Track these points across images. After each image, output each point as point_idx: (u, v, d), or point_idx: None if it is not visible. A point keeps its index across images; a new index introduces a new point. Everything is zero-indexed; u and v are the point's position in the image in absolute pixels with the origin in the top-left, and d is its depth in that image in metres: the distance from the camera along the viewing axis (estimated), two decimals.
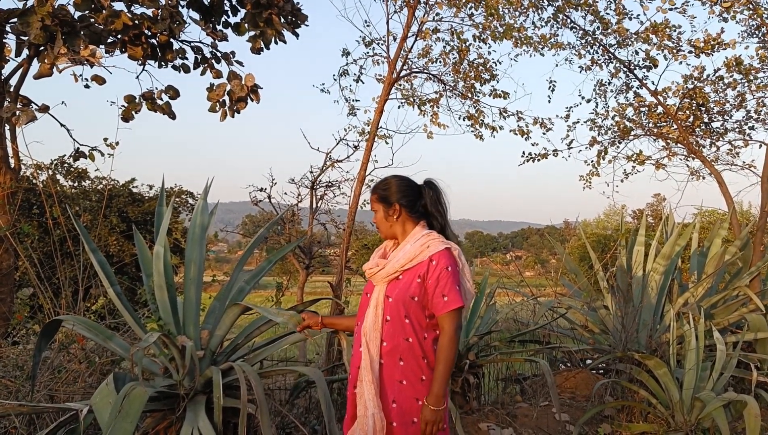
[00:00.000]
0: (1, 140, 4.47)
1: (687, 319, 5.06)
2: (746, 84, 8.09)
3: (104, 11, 4.13)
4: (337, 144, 7.00)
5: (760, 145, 8.59)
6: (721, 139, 8.81)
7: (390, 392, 2.54)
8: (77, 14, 4.14)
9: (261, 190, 7.43)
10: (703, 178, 8.99)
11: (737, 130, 8.71)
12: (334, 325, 3.07)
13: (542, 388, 5.42)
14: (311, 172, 7.33)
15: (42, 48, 4.25)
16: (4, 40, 4.43)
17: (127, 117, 4.72)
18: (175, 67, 4.99)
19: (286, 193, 7.54)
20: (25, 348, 5.00)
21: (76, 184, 10.02)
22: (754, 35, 7.70)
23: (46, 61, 3.90)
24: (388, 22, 6.53)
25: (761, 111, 8.41)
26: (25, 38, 4.31)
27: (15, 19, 4.17)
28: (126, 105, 4.71)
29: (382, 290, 2.60)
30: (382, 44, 6.86)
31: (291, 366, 4.06)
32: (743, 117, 8.59)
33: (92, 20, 4.16)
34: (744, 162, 8.77)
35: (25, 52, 4.47)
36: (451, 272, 2.53)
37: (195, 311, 3.38)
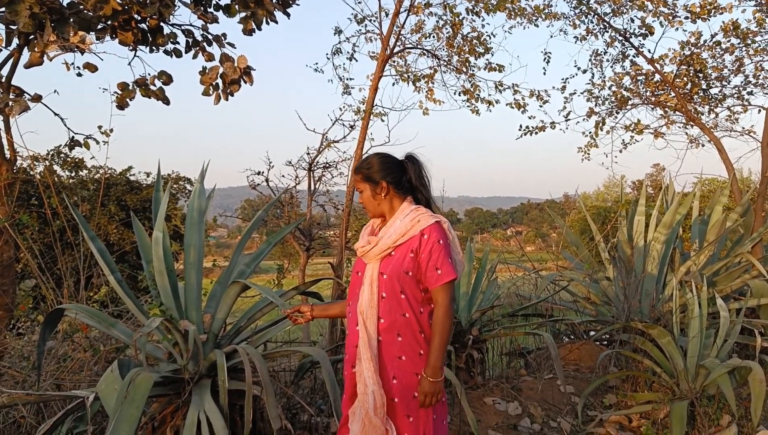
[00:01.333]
0: None
1: (689, 288, 5.07)
2: (744, 48, 8.02)
3: None
4: (333, 124, 6.96)
5: (759, 110, 8.55)
6: (719, 105, 8.76)
7: (390, 368, 2.55)
8: (65, 1, 4.09)
9: (258, 173, 7.40)
10: (703, 145, 8.97)
11: (736, 95, 8.65)
12: (327, 314, 3.05)
13: (546, 361, 5.44)
14: (308, 153, 7.31)
15: (31, 36, 4.20)
16: None
17: (121, 104, 4.68)
18: (166, 52, 4.94)
19: (284, 176, 7.54)
20: (30, 339, 5.02)
21: (73, 174, 9.98)
22: None
23: (36, 49, 3.86)
24: None
25: (759, 75, 8.36)
26: (14, 27, 4.26)
27: (2, 9, 4.12)
28: (120, 92, 4.67)
29: (375, 267, 2.59)
30: (374, 21, 6.80)
31: (294, 347, 4.06)
32: (741, 82, 8.53)
33: (81, 7, 4.10)
34: (743, 128, 8.77)
35: (15, 41, 4.42)
36: (443, 245, 2.54)
37: (197, 295, 3.37)
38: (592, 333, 6.28)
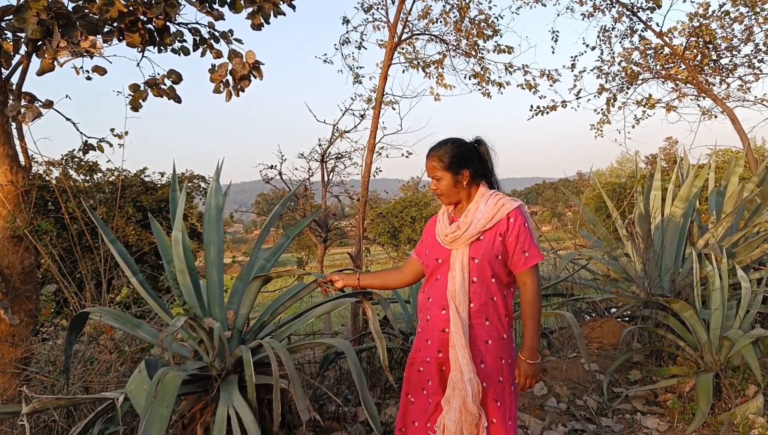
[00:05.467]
0: (9, 139, 4.47)
1: (709, 260, 5.03)
2: (753, 17, 7.92)
3: (98, 0, 4.08)
4: (343, 114, 6.96)
5: None
6: (730, 75, 8.67)
7: (477, 353, 2.58)
8: (71, 5, 4.10)
9: (272, 167, 7.42)
10: (716, 116, 8.88)
11: (747, 64, 8.56)
12: (372, 285, 3.08)
13: (569, 340, 5.44)
14: (320, 145, 7.32)
15: (39, 43, 4.23)
16: (2, 38, 4.41)
17: (135, 106, 4.70)
18: (174, 51, 4.94)
19: (296, 169, 7.54)
20: (55, 343, 5.08)
21: (88, 178, 10.06)
22: None
23: (46, 55, 3.88)
24: None
25: None
26: (22, 35, 4.29)
27: (10, 17, 4.14)
28: (132, 94, 4.69)
29: (465, 253, 2.59)
30: (381, 8, 6.77)
31: (318, 339, 4.08)
32: (752, 51, 8.43)
33: (86, 10, 4.11)
34: (756, 97, 8.64)
35: (23, 48, 4.45)
36: (528, 228, 2.58)
37: (219, 292, 3.40)
38: (613, 310, 6.27)
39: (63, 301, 6.64)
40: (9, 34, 4.35)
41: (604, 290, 6.25)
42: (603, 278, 6.35)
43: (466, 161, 2.66)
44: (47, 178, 8.14)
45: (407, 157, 6.51)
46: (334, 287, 3.05)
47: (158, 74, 4.81)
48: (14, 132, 4.49)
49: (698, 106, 8.91)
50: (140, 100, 4.81)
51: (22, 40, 4.27)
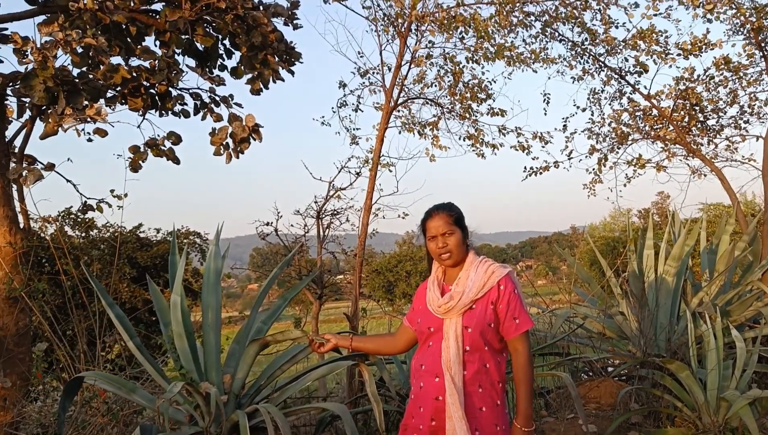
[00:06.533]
0: (10, 201, 4.53)
1: (704, 319, 5.06)
2: (737, 80, 8.16)
3: (102, 66, 4.20)
4: (339, 172, 7.03)
5: (757, 139, 8.62)
6: (718, 135, 8.86)
7: (471, 421, 2.58)
8: (76, 71, 4.22)
9: (267, 224, 7.47)
10: (705, 175, 9.02)
11: (733, 125, 8.76)
12: (365, 349, 3.08)
13: (567, 400, 5.40)
14: (315, 202, 7.38)
15: (44, 108, 4.33)
16: (5, 102, 4.51)
17: (135, 167, 4.77)
18: (174, 114, 5.06)
19: (292, 225, 7.58)
20: (45, 403, 5.01)
21: (83, 235, 10.07)
22: (739, 32, 7.78)
23: (50, 121, 3.96)
24: (381, 53, 6.64)
25: (754, 105, 8.48)
26: (27, 100, 4.39)
27: (16, 83, 4.25)
28: (132, 156, 4.77)
29: (458, 322, 2.61)
30: (376, 73, 6.96)
31: (315, 404, 4.05)
32: (737, 112, 8.65)
33: (91, 76, 4.23)
34: (743, 156, 8.83)
35: (28, 112, 4.55)
36: (518, 295, 2.63)
37: (216, 356, 3.40)
38: (610, 369, 6.24)
39: (54, 360, 6.57)
40: (13, 99, 4.45)
41: (600, 349, 6.24)
42: (598, 337, 6.35)
43: (465, 223, 2.76)
44: (42, 234, 8.15)
45: (403, 218, 6.58)
46: (325, 349, 3.01)
47: (158, 135, 4.90)
48: (15, 193, 4.56)
49: (687, 165, 9.09)
50: (140, 162, 4.89)
51: (27, 105, 4.37)
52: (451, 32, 6.20)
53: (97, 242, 10.25)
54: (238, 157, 4.89)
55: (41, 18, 4.14)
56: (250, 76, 4.83)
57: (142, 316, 9.74)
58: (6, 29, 4.25)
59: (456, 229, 2.69)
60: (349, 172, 6.91)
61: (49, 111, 4.12)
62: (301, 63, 5.05)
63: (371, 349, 3.12)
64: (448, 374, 2.58)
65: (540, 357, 5.88)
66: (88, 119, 3.92)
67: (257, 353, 3.33)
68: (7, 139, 4.60)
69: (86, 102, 4.12)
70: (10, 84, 4.28)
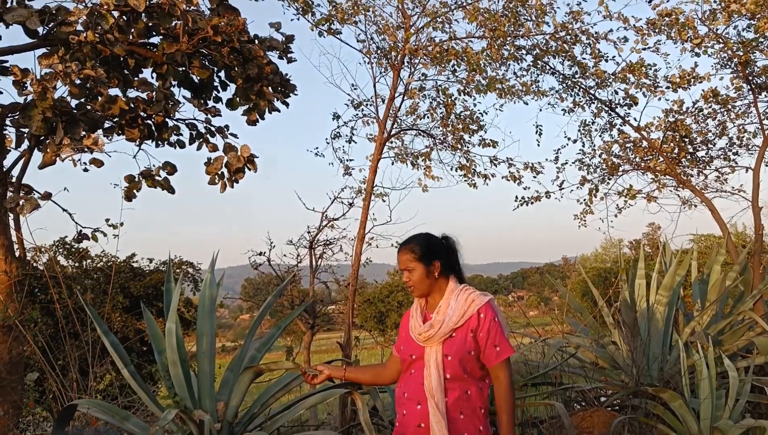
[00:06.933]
0: (6, 230, 4.55)
1: (696, 348, 5.09)
2: (725, 113, 8.31)
3: (101, 98, 4.27)
4: (332, 203, 7.08)
5: (747, 170, 8.75)
6: (707, 167, 8.99)
7: None
8: (74, 102, 4.28)
9: (260, 254, 7.48)
10: (695, 206, 9.12)
11: (722, 157, 8.89)
12: (358, 379, 3.10)
13: (560, 430, 5.39)
14: (308, 232, 7.41)
15: (42, 138, 4.38)
16: (3, 132, 4.56)
17: (129, 196, 4.82)
18: (170, 144, 5.12)
19: (285, 255, 7.58)
20: (34, 433, 4.97)
21: (77, 264, 10.06)
22: (727, 66, 7.96)
23: (48, 151, 4.01)
24: (375, 85, 6.74)
25: (743, 137, 8.62)
26: (26, 130, 4.44)
27: (15, 113, 4.31)
28: (127, 185, 4.81)
29: (438, 350, 2.65)
30: (370, 105, 7.06)
31: (307, 433, 4.05)
32: (726, 144, 8.79)
33: (88, 107, 4.29)
34: (733, 187, 8.94)
35: (26, 142, 4.60)
36: (498, 322, 2.65)
37: (210, 384, 3.41)
38: (602, 399, 6.24)
39: (46, 389, 6.51)
40: (11, 129, 4.50)
41: (592, 379, 6.24)
42: (591, 366, 6.36)
43: (436, 253, 2.76)
44: (35, 263, 8.14)
45: (396, 247, 6.62)
46: (318, 380, 3.03)
47: (153, 166, 4.95)
48: (11, 222, 4.59)
49: (678, 196, 9.19)
50: (134, 191, 4.93)
51: (25, 135, 4.42)
52: (443, 65, 6.33)
53: (90, 272, 10.24)
54: (232, 187, 4.94)
55: (41, 51, 4.22)
56: (246, 107, 4.92)
57: (134, 345, 9.69)
58: (6, 61, 4.32)
59: (418, 265, 2.74)
60: (342, 202, 6.97)
61: (47, 141, 4.18)
62: (296, 95, 5.14)
63: (366, 380, 3.15)
64: (432, 401, 2.61)
65: (533, 387, 5.88)
66: (86, 149, 3.97)
67: (251, 381, 3.34)
68: (4, 169, 4.65)
69: (84, 132, 4.18)
70: (9, 114, 4.34)
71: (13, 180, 4.71)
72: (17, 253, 4.65)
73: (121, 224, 4.94)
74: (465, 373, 2.63)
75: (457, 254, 2.84)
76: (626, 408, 5.44)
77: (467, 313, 2.65)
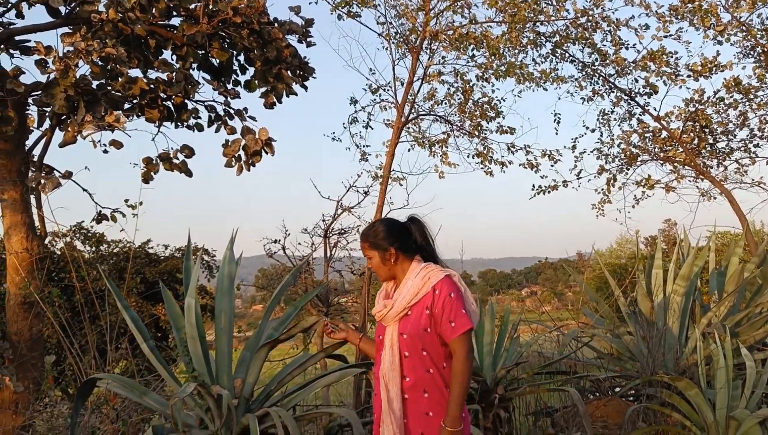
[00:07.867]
0: (28, 208, 4.61)
1: (713, 339, 5.05)
2: (747, 103, 8.21)
3: (121, 78, 4.30)
4: (347, 191, 7.10)
5: (767, 162, 8.66)
6: (727, 158, 8.89)
7: (418, 426, 2.60)
8: (95, 83, 4.32)
9: (275, 241, 7.51)
10: (714, 198, 9.03)
11: (743, 148, 8.79)
12: (368, 352, 3.11)
13: (573, 418, 5.38)
14: (323, 220, 7.43)
15: (64, 117, 4.42)
16: (26, 112, 4.61)
17: (147, 178, 4.85)
18: (189, 127, 5.15)
19: (300, 244, 7.60)
20: (52, 413, 5.03)
21: (93, 250, 10.15)
22: (749, 55, 7.86)
23: (70, 129, 4.05)
24: (393, 69, 6.74)
25: (764, 128, 8.51)
26: (48, 109, 4.49)
27: (38, 92, 4.35)
28: (145, 167, 4.85)
29: (395, 329, 2.68)
30: (388, 90, 7.05)
31: (324, 409, 4.07)
32: (747, 135, 8.69)
33: (109, 87, 4.33)
34: (753, 179, 8.84)
35: (47, 122, 4.65)
36: (455, 298, 2.62)
37: (228, 361, 3.43)
38: (617, 389, 6.21)
39: (61, 371, 6.59)
40: (33, 109, 4.55)
41: (607, 368, 6.22)
42: (606, 356, 6.33)
43: (392, 240, 2.76)
44: (52, 247, 8.22)
45: None
46: (337, 335, 3.09)
47: (171, 148, 4.98)
48: (33, 200, 4.64)
49: (697, 187, 9.10)
50: (152, 173, 4.97)
51: (47, 114, 4.47)
52: (463, 50, 6.30)
53: (106, 257, 10.32)
54: (249, 170, 4.96)
55: (63, 30, 4.25)
56: (264, 90, 4.93)
57: (150, 331, 9.77)
58: (29, 41, 4.36)
59: (373, 253, 2.77)
60: (357, 191, 6.98)
61: (69, 120, 4.22)
62: (315, 78, 5.15)
63: (374, 354, 3.15)
64: (383, 382, 2.64)
65: (548, 375, 5.87)
66: (107, 126, 4.00)
67: (266, 356, 3.36)
68: (26, 148, 4.70)
69: (105, 111, 4.22)
70: (32, 93, 4.38)
71: (35, 159, 4.77)
72: (38, 231, 4.70)
73: (141, 203, 4.98)
74: (423, 351, 2.63)
75: (425, 234, 2.83)
76: (641, 397, 5.41)
77: (422, 290, 2.65)
